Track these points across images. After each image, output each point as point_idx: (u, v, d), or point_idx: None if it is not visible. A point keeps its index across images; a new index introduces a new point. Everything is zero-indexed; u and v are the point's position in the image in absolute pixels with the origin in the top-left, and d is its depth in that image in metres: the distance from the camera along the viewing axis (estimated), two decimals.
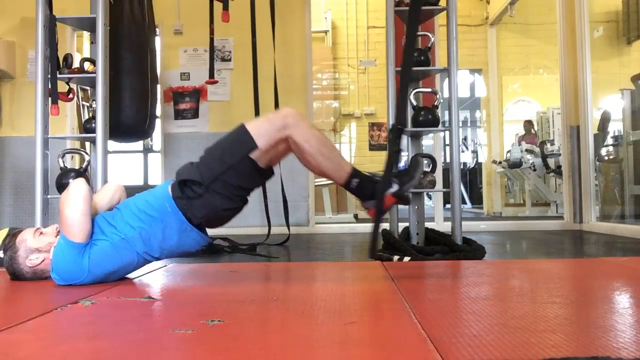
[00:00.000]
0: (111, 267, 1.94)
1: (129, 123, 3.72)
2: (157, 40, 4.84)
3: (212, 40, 3.91)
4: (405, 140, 3.30)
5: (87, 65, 3.16)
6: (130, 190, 2.18)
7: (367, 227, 5.12)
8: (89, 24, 3.20)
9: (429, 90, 3.29)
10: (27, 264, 1.95)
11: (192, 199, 1.93)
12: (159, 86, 4.94)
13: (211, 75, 3.99)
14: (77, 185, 1.91)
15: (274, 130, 1.91)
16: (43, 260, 1.95)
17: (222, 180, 1.91)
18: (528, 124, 8.48)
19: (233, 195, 1.95)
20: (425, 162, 3.28)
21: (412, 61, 2.02)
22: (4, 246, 1.99)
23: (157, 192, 2.01)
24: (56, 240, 1.95)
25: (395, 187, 1.95)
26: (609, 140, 5.42)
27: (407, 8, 3.13)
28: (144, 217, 1.94)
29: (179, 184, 1.96)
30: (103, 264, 1.91)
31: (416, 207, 3.14)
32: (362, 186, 1.96)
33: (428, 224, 3.26)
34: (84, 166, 3.14)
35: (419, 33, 3.24)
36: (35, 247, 1.96)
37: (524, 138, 8.21)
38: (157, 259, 2.03)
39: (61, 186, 3.04)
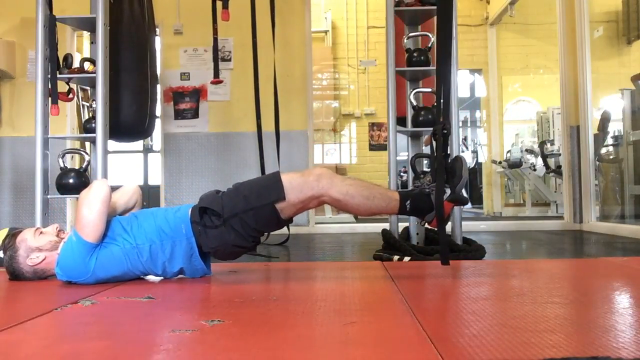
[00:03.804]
0: (115, 272, 1.94)
1: (128, 123, 3.72)
2: (157, 40, 4.84)
3: (215, 40, 3.92)
4: (406, 140, 3.30)
5: (87, 65, 3.16)
6: None
7: (367, 227, 5.14)
8: (89, 24, 3.20)
9: (429, 90, 3.29)
10: (27, 262, 1.96)
11: (207, 228, 1.95)
12: (159, 86, 4.94)
13: (216, 74, 3.99)
14: (98, 186, 1.91)
15: (307, 188, 1.93)
16: (44, 259, 1.95)
17: (241, 219, 1.93)
18: None
19: (247, 235, 1.97)
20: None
21: (451, 52, 1.97)
22: (4, 246, 1.99)
23: (178, 212, 2.02)
24: (57, 239, 1.97)
25: (448, 192, 1.96)
26: (609, 140, 5.42)
27: (407, 8, 3.13)
28: (159, 232, 1.96)
29: (199, 210, 1.97)
30: (109, 267, 1.92)
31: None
32: (416, 204, 1.97)
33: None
34: (84, 166, 3.14)
35: (419, 33, 3.24)
36: (36, 246, 1.96)
37: None
38: (158, 275, 2.04)
39: (61, 186, 3.03)
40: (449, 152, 2.02)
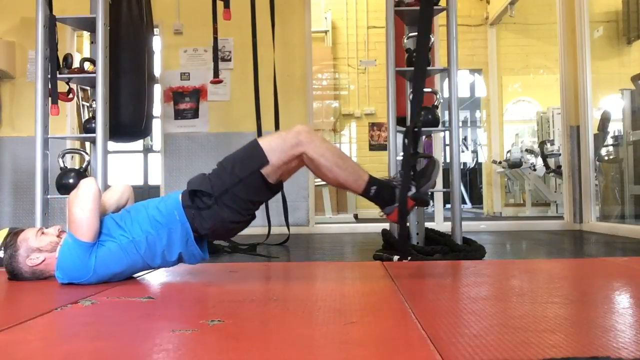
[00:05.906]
0: (117, 269, 1.94)
1: (125, 123, 3.71)
2: (157, 40, 4.84)
3: (215, 39, 3.92)
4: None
5: (87, 65, 3.16)
6: None
7: (367, 227, 5.14)
8: (89, 24, 3.20)
9: (429, 90, 3.29)
10: (27, 263, 1.95)
11: (201, 210, 1.94)
12: (158, 86, 4.94)
13: (215, 74, 3.98)
14: (87, 185, 1.91)
15: (287, 147, 1.92)
16: (43, 260, 1.95)
17: (232, 193, 1.93)
18: None
19: (241, 209, 1.96)
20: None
21: (427, 55, 2.01)
22: (4, 244, 1.98)
23: (168, 200, 2.02)
24: (57, 240, 1.96)
25: (413, 190, 1.97)
26: (609, 140, 5.42)
27: (407, 8, 3.13)
28: (153, 223, 1.95)
29: (189, 194, 1.97)
30: (109, 264, 1.92)
31: (416, 207, 3.14)
32: (380, 193, 1.97)
33: (428, 224, 3.26)
34: (84, 166, 3.14)
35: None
36: (37, 246, 1.95)
37: None
38: (159, 265, 2.03)
39: (61, 186, 3.03)
40: (419, 150, 2.05)
